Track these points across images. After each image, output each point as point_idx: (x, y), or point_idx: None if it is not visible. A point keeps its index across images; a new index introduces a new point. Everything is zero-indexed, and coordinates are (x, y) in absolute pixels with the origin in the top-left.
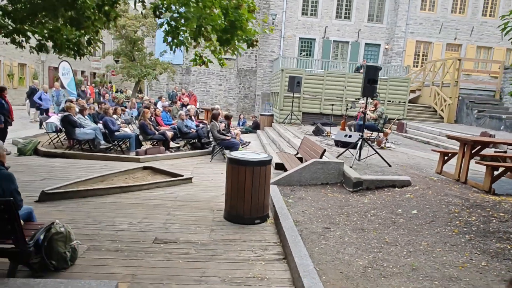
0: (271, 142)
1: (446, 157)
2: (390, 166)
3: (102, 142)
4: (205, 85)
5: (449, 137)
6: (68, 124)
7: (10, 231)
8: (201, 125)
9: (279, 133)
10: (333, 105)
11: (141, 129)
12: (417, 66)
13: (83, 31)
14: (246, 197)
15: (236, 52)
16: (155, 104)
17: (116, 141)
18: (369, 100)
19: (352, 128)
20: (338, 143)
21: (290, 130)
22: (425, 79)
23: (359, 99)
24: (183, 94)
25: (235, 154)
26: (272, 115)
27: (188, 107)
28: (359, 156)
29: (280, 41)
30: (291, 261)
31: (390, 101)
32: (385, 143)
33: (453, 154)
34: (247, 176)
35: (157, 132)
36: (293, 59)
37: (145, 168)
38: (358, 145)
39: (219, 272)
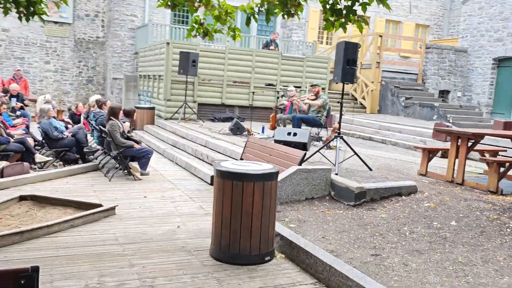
0: (173, 147)
1: (430, 155)
2: (371, 170)
3: None
4: (21, 62)
5: (439, 131)
6: None
7: None
8: (72, 127)
9: (177, 133)
10: (254, 94)
11: None
12: (322, 43)
13: None
14: (255, 225)
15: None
16: None
17: None
18: (307, 86)
19: (282, 124)
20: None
21: (194, 128)
22: None
23: (286, 86)
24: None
25: (229, 166)
26: (153, 108)
27: (92, 99)
28: (336, 159)
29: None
30: None
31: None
32: (332, 141)
33: (436, 151)
34: (256, 195)
35: (12, 139)
36: (167, 28)
37: (22, 198)
38: (337, 144)
39: None
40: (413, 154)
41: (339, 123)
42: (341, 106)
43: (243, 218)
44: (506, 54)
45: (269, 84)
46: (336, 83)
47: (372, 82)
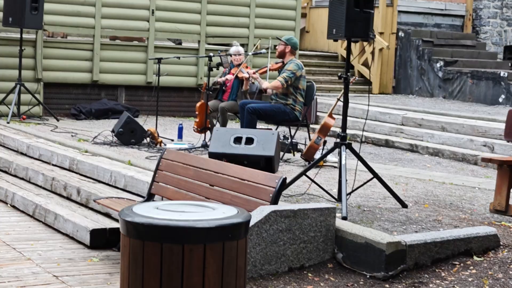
0: (2, 174)
1: None
2: (405, 206)
3: None
4: None
5: None
6: None
7: None
8: None
9: (8, 145)
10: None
11: None
12: None
13: None
14: None
15: None
16: None
17: None
18: (261, 48)
19: (219, 121)
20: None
21: (42, 134)
22: None
23: (226, 45)
24: None
25: (151, 214)
26: None
27: None
28: (343, 189)
29: None
30: None
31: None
32: (327, 152)
33: None
34: (209, 270)
35: None
36: None
37: None
38: (341, 159)
39: None
40: (474, 171)
41: (344, 115)
42: (346, 86)
43: None
44: None
45: (178, 45)
46: (334, 40)
47: (381, 33)
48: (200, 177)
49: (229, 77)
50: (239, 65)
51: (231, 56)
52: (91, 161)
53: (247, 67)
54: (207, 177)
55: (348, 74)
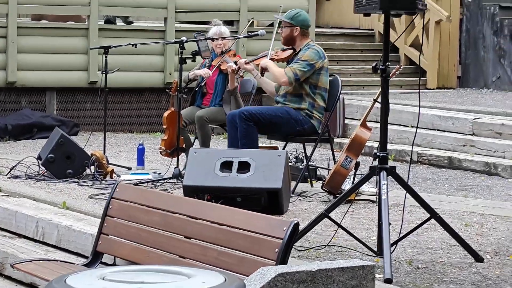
0: None
1: None
2: (480, 259)
3: None
4: None
5: None
6: None
7: None
8: None
9: None
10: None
11: None
12: None
13: None
14: None
15: None
16: None
17: None
18: (258, 27)
19: (199, 138)
20: None
21: None
22: None
23: (205, 25)
24: None
25: (86, 286)
26: None
27: None
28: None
29: None
30: None
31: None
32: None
33: None
34: None
35: None
36: None
37: None
38: (381, 192)
39: None
40: None
41: (383, 125)
42: (385, 82)
43: None
44: None
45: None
46: (365, 14)
47: (438, 0)
48: (170, 225)
49: (205, 73)
50: (222, 53)
51: (213, 40)
52: (6, 204)
53: (235, 55)
54: (181, 225)
55: (388, 63)
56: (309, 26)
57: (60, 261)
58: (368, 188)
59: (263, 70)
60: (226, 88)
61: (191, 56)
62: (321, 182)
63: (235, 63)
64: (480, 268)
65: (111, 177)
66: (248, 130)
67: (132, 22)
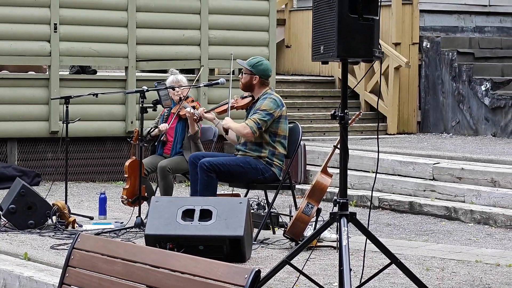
0: None
1: None
2: None
3: None
4: None
5: None
6: None
7: None
8: None
9: None
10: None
11: None
12: None
13: None
14: None
15: None
16: None
17: None
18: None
19: (160, 187)
20: None
21: None
22: None
23: (163, 74)
24: None
25: None
26: None
27: None
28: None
29: None
30: None
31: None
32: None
33: None
34: None
35: None
36: None
37: None
38: (341, 239)
39: None
40: None
41: (343, 171)
42: (344, 128)
43: None
44: None
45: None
46: (323, 62)
47: (397, 44)
48: (132, 274)
49: (163, 127)
50: (181, 99)
51: (173, 89)
52: None
53: (193, 101)
54: (143, 274)
55: (346, 111)
56: (269, 76)
57: None
58: (330, 234)
59: (225, 130)
60: (187, 134)
61: (152, 105)
62: (283, 229)
63: (193, 107)
64: None
65: (73, 227)
66: (208, 181)
67: (95, 72)
